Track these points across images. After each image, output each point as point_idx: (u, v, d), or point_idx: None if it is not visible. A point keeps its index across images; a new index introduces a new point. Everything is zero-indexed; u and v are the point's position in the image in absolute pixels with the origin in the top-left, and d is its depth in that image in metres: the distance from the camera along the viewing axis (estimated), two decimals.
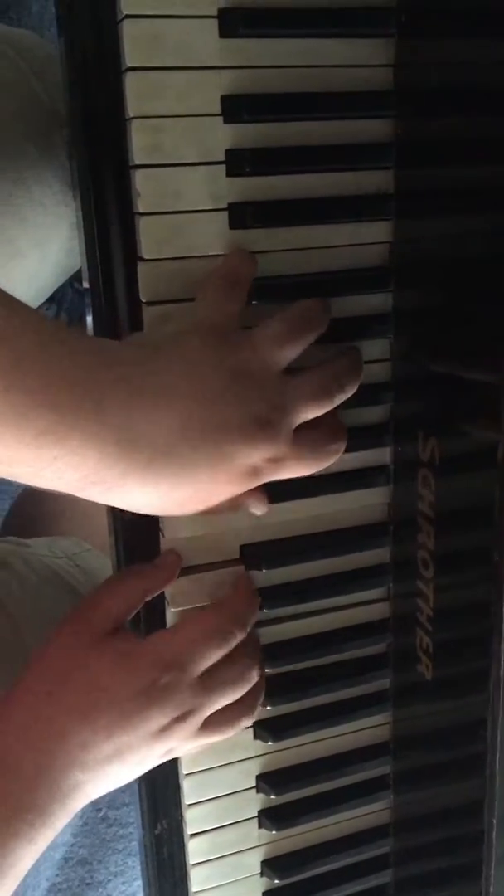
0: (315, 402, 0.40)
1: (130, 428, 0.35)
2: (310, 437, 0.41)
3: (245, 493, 0.41)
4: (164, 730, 0.40)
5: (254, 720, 0.46)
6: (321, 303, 0.41)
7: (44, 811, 0.38)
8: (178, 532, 0.44)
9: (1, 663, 0.51)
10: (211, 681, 0.42)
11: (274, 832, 0.50)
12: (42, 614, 0.55)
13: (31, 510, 0.79)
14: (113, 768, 0.40)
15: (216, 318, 0.39)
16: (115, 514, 0.44)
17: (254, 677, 0.44)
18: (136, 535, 0.45)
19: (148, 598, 0.43)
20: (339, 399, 0.42)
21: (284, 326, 0.40)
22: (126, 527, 0.45)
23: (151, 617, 0.45)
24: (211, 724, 0.43)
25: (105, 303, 0.42)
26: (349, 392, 0.42)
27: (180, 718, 0.41)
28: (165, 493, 0.37)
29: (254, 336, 0.39)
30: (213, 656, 0.42)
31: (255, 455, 0.39)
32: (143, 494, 0.37)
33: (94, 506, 0.44)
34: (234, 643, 0.43)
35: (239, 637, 0.43)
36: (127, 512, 0.44)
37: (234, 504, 0.41)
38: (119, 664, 0.40)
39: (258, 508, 0.43)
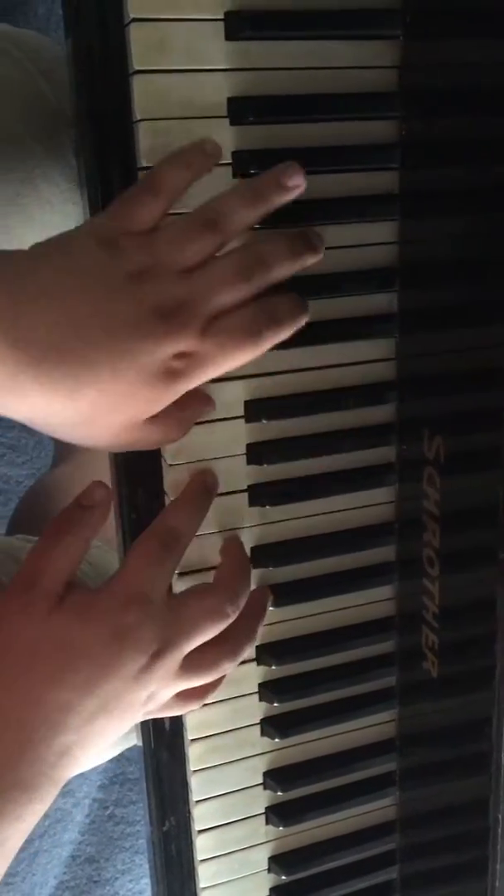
0: (229, 286, 0.38)
1: (16, 325, 0.34)
2: (229, 323, 0.38)
3: (168, 416, 0.39)
4: (144, 669, 0.39)
5: (236, 664, 0.44)
6: (235, 195, 0.39)
7: (29, 786, 0.37)
8: None
9: None
10: (178, 611, 0.41)
11: (281, 828, 0.50)
12: None
13: (38, 508, 0.79)
14: (99, 724, 0.39)
15: (112, 224, 0.38)
16: (123, 510, 0.45)
17: (229, 613, 0.42)
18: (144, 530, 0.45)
19: (88, 544, 0.41)
20: (263, 281, 0.38)
21: (190, 227, 0.38)
22: (134, 524, 0.45)
23: None
24: (190, 665, 0.41)
25: None
26: (274, 275, 0.39)
27: (157, 654, 0.39)
28: (68, 396, 0.36)
29: (151, 237, 0.38)
30: (165, 575, 0.40)
31: (159, 351, 0.37)
32: (44, 398, 0.35)
33: None
34: (175, 558, 0.41)
35: (182, 551, 0.41)
36: (135, 509, 0.44)
37: (183, 428, 0.40)
38: (82, 617, 0.39)
39: (173, 431, 0.40)
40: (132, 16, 0.38)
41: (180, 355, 0.37)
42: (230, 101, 0.40)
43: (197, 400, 0.41)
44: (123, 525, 0.45)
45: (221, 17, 0.39)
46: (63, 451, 0.93)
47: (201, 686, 0.43)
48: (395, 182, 0.43)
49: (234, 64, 0.39)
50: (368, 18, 0.41)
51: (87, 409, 0.36)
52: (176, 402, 0.39)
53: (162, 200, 0.38)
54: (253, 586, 0.46)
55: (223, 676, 0.44)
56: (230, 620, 0.42)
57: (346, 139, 0.42)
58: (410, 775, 0.51)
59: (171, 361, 0.37)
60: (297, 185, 0.39)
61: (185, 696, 0.43)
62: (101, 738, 0.39)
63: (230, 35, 0.39)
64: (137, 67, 0.38)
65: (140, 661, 0.39)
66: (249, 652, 0.47)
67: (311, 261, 0.40)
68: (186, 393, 0.39)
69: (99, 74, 0.40)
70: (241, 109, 0.40)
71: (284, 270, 0.39)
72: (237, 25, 0.39)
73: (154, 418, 0.39)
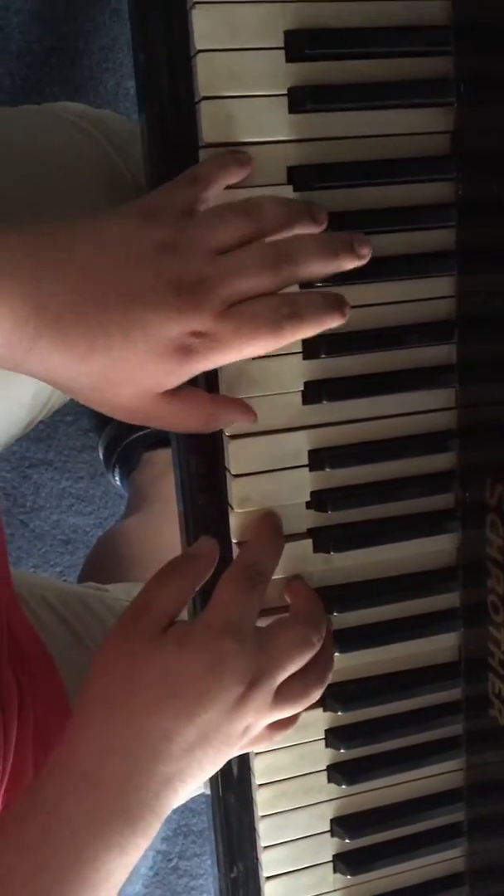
0: (253, 273, 0.37)
1: (37, 287, 0.35)
2: (249, 308, 0.37)
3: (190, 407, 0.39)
4: (241, 699, 0.40)
5: (323, 690, 0.45)
6: (272, 199, 0.39)
7: (133, 818, 0.37)
8: None
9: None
10: (269, 641, 0.41)
11: (349, 877, 0.50)
12: None
13: (110, 557, 0.81)
14: (198, 754, 0.39)
15: (151, 200, 0.39)
16: None
17: (314, 641, 0.43)
18: (212, 579, 0.47)
19: (196, 590, 0.43)
20: (290, 274, 0.38)
21: (224, 210, 0.38)
22: None
23: None
24: (282, 695, 0.42)
25: None
26: (307, 271, 0.38)
27: (252, 684, 0.40)
28: (82, 359, 0.36)
29: (188, 218, 0.38)
30: (254, 607, 0.41)
31: (173, 326, 0.36)
32: (61, 359, 0.36)
33: (171, 555, 0.46)
34: (261, 592, 0.42)
35: (266, 585, 0.43)
36: None
37: (206, 415, 0.40)
38: (182, 648, 0.40)
39: (240, 418, 0.41)
40: (203, 94, 0.40)
41: (196, 334, 0.37)
42: (294, 169, 0.42)
43: (236, 403, 0.42)
44: None
45: (284, 92, 0.41)
46: (134, 503, 0.96)
47: (289, 717, 0.44)
48: (451, 239, 0.45)
49: (297, 135, 0.42)
50: (424, 87, 0.43)
51: (100, 374, 0.37)
52: (213, 396, 0.40)
53: (197, 187, 0.39)
54: None
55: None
56: (317, 649, 0.43)
57: (404, 200, 0.44)
58: (479, 826, 0.51)
59: (185, 338, 0.37)
60: (324, 220, 0.40)
61: (274, 726, 0.44)
62: (200, 771, 0.40)
63: (293, 108, 0.42)
64: (207, 141, 0.41)
65: (237, 690, 0.40)
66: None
67: (349, 264, 0.40)
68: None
69: (170, 149, 0.43)
70: (303, 177, 0.42)
71: (316, 268, 0.39)
72: (300, 99, 0.41)
73: (175, 398, 0.39)
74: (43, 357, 0.36)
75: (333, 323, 0.40)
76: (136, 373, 0.37)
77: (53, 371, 0.37)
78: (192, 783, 0.39)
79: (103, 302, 0.36)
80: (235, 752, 0.42)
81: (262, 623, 0.44)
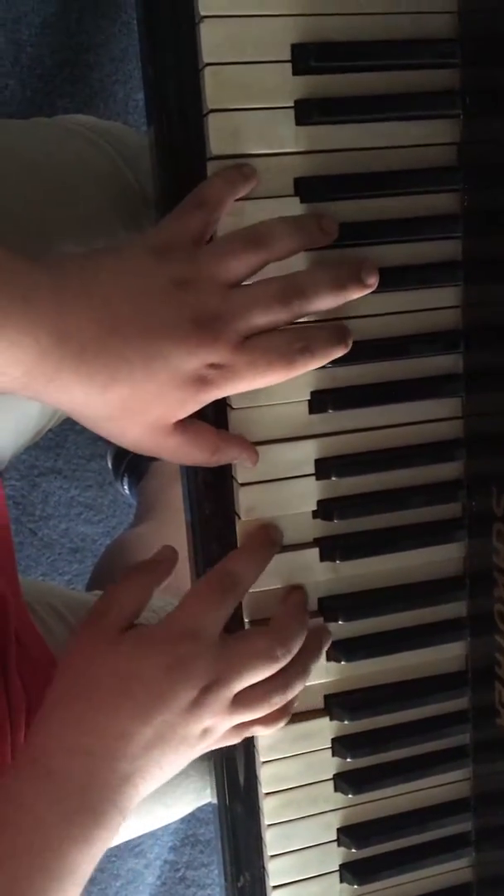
0: (265, 307, 0.39)
1: (61, 319, 0.36)
2: (264, 342, 0.39)
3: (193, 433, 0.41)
4: (196, 702, 0.41)
5: (286, 699, 0.45)
6: (280, 222, 0.40)
7: (95, 811, 0.39)
8: (258, 586, 0.46)
9: None
10: (230, 649, 0.42)
11: (355, 887, 0.50)
12: None
13: (115, 567, 0.82)
14: (156, 753, 0.40)
15: (163, 234, 0.40)
16: (199, 564, 0.47)
17: (278, 656, 0.43)
18: None
19: (153, 591, 0.45)
20: (301, 308, 0.40)
21: (234, 243, 0.40)
22: None
23: None
24: (242, 699, 0.43)
25: None
26: (316, 305, 0.40)
27: (207, 688, 0.41)
28: (102, 390, 0.38)
29: (201, 251, 0.40)
30: (221, 616, 0.43)
31: (192, 359, 0.38)
32: (82, 390, 0.38)
33: (179, 563, 0.46)
34: (231, 601, 0.43)
35: (239, 596, 0.43)
36: (210, 563, 0.46)
37: (212, 449, 0.41)
38: (139, 651, 0.41)
39: (242, 456, 0.42)
40: (210, 107, 0.41)
41: (213, 365, 0.39)
42: (301, 180, 0.42)
43: (240, 441, 0.43)
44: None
45: (291, 104, 0.42)
46: (143, 512, 0.97)
47: (262, 717, 0.45)
48: (457, 250, 0.45)
49: (303, 147, 0.42)
50: (429, 100, 0.43)
51: (118, 405, 0.39)
52: (219, 432, 0.42)
53: (205, 211, 0.40)
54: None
55: (291, 706, 0.46)
56: (281, 663, 0.44)
57: (411, 211, 0.44)
58: (486, 836, 0.51)
59: (203, 370, 0.39)
60: (334, 231, 0.41)
61: (242, 726, 0.45)
62: (160, 769, 0.41)
63: (300, 120, 0.42)
64: (215, 153, 0.41)
65: (191, 693, 0.41)
66: (319, 703, 0.48)
67: (357, 293, 0.41)
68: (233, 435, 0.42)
69: (179, 161, 0.43)
70: (310, 188, 0.42)
71: (326, 301, 0.41)
72: (306, 111, 0.42)
73: (186, 430, 0.41)
74: (64, 387, 0.38)
75: (339, 354, 0.42)
76: (153, 402, 0.39)
77: (72, 400, 0.38)
78: (152, 781, 0.41)
79: (125, 334, 0.38)
80: (199, 751, 0.43)
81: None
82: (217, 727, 0.43)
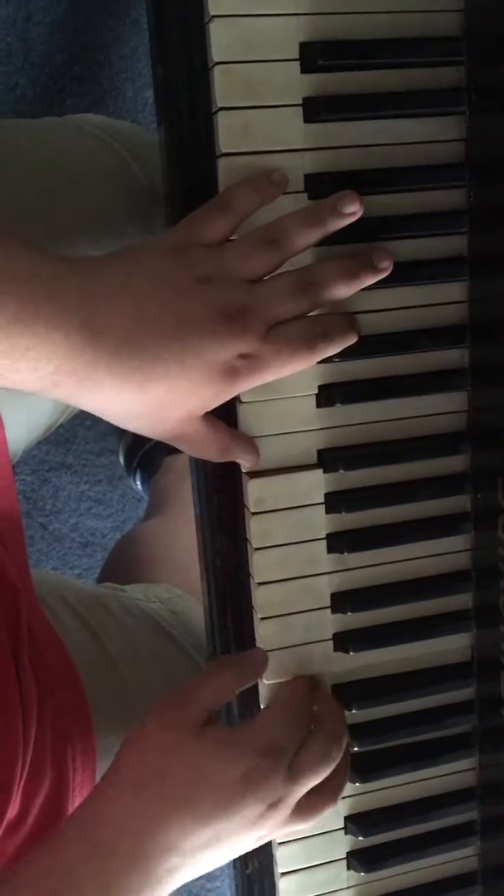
0: (288, 298, 0.41)
1: (93, 317, 0.37)
2: (288, 330, 0.41)
3: (234, 439, 0.42)
4: (261, 817, 0.41)
5: (334, 805, 0.46)
6: (296, 217, 0.41)
7: (136, 894, 0.39)
8: (266, 577, 0.46)
9: (98, 693, 0.54)
10: (299, 766, 0.43)
11: (362, 874, 0.51)
12: (137, 654, 0.58)
13: (128, 558, 0.83)
14: (208, 854, 0.41)
15: (184, 234, 0.41)
16: (208, 556, 0.47)
17: (335, 756, 0.45)
18: (228, 580, 0.48)
19: (237, 692, 0.45)
20: (319, 297, 0.41)
21: (254, 244, 0.41)
22: (219, 570, 0.47)
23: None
24: (299, 811, 0.44)
25: None
26: (333, 293, 0.42)
27: (274, 805, 0.42)
28: (139, 388, 0.38)
29: (218, 249, 0.41)
30: (300, 737, 0.44)
31: (224, 351, 0.39)
32: (116, 389, 0.38)
33: (188, 556, 0.46)
34: (307, 729, 0.44)
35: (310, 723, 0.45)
36: (220, 555, 0.47)
37: (223, 446, 0.43)
38: (219, 752, 0.41)
39: (246, 458, 0.44)
40: (219, 105, 0.41)
41: (243, 356, 0.40)
42: (310, 177, 0.43)
43: (249, 442, 0.44)
44: (208, 571, 0.48)
45: (300, 102, 0.42)
46: (154, 506, 0.97)
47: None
48: (464, 245, 0.46)
49: (312, 144, 0.43)
50: (436, 97, 0.44)
51: (154, 403, 0.40)
52: (232, 430, 0.43)
53: (231, 218, 0.41)
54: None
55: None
56: (336, 762, 0.45)
57: (418, 207, 0.45)
58: (492, 825, 0.51)
59: (234, 360, 0.40)
60: (352, 212, 0.41)
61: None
62: (204, 866, 0.41)
63: (308, 118, 0.43)
64: (224, 150, 0.42)
65: (259, 808, 0.41)
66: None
67: (370, 279, 0.42)
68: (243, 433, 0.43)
69: (188, 159, 0.44)
70: (318, 185, 0.43)
71: (341, 289, 0.42)
72: (314, 109, 0.42)
73: (209, 423, 0.42)
74: (97, 386, 0.38)
75: (352, 340, 0.43)
76: (188, 396, 0.40)
77: (105, 400, 0.39)
78: (192, 875, 0.41)
79: (158, 333, 0.39)
80: (245, 851, 0.43)
81: None
82: (270, 836, 0.44)
